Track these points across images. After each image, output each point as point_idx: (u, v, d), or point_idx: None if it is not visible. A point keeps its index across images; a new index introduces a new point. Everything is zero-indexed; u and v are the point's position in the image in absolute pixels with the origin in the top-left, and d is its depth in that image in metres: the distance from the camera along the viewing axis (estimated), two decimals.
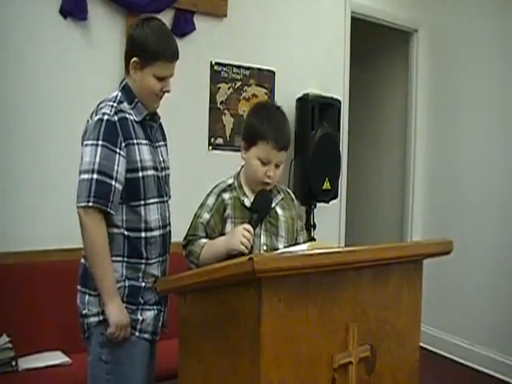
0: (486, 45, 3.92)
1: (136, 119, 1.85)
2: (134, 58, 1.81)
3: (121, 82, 1.92)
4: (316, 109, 3.55)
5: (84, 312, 1.82)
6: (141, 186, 1.81)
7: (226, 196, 1.89)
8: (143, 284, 1.84)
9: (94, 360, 1.82)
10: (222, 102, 3.45)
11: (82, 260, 1.85)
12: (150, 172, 1.85)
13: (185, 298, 1.64)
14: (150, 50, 1.79)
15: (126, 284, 1.81)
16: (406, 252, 1.59)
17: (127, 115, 1.82)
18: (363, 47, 4.73)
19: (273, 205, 1.91)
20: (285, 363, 1.31)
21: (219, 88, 3.44)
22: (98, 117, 1.77)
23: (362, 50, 4.70)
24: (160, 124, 2.02)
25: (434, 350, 4.12)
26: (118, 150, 1.75)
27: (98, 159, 1.72)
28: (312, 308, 1.36)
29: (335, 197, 3.75)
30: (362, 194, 5.06)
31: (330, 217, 4.00)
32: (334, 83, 3.98)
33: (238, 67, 3.50)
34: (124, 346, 1.79)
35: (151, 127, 1.93)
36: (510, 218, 3.71)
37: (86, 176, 1.72)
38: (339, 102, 3.75)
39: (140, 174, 1.81)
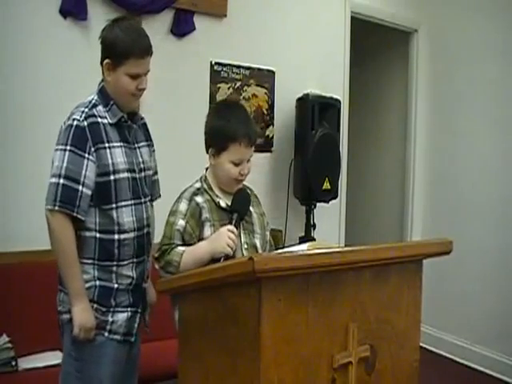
0: (485, 44, 3.92)
1: (111, 122, 1.86)
2: (106, 60, 1.82)
3: (99, 84, 1.93)
4: (316, 109, 3.55)
5: (59, 309, 1.88)
6: (112, 189, 1.83)
7: (200, 199, 1.84)
8: (116, 285, 1.86)
9: (66, 356, 1.88)
10: None
11: None
12: (124, 174, 1.86)
13: (185, 298, 1.64)
14: (120, 49, 1.79)
15: (97, 284, 1.84)
16: (406, 252, 1.58)
17: (99, 119, 1.84)
18: (363, 47, 4.73)
19: None
20: (285, 363, 1.31)
21: (219, 88, 3.44)
22: (68, 122, 1.81)
23: (362, 50, 4.71)
24: (144, 124, 2.04)
25: (434, 350, 4.12)
26: (86, 155, 1.78)
27: (65, 164, 1.76)
28: (312, 308, 1.36)
29: (335, 197, 3.75)
30: (362, 194, 5.06)
31: (330, 217, 4.00)
32: (334, 83, 3.99)
33: (238, 67, 3.50)
34: (93, 346, 1.83)
35: (129, 128, 1.93)
36: (509, 218, 3.71)
37: (53, 180, 1.77)
38: (339, 102, 3.75)
39: (112, 178, 1.83)
